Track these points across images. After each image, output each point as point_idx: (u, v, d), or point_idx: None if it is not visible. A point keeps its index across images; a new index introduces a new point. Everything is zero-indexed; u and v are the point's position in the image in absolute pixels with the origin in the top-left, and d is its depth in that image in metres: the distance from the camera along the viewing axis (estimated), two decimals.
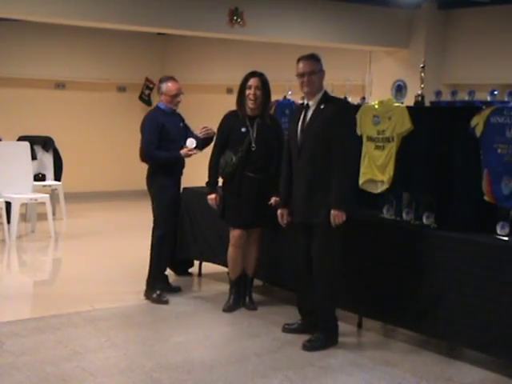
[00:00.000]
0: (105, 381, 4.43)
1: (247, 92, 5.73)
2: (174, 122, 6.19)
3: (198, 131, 6.35)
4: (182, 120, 6.33)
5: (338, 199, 4.91)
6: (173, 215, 6.29)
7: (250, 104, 5.73)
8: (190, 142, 6.07)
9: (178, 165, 6.20)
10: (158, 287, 6.12)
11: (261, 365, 4.72)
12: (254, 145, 5.70)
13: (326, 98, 5.13)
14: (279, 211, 5.34)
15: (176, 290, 6.37)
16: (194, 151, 6.08)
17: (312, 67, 5.10)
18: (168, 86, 6.14)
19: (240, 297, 5.99)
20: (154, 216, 6.22)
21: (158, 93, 6.25)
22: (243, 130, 5.73)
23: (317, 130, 5.01)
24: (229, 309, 5.90)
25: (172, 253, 6.66)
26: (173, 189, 6.21)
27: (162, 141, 6.06)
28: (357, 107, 5.78)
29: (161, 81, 6.23)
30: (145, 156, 6.13)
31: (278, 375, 4.57)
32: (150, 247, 6.22)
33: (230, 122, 5.85)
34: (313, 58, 5.15)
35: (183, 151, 6.06)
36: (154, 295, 6.07)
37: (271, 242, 6.09)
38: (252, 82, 5.72)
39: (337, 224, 4.91)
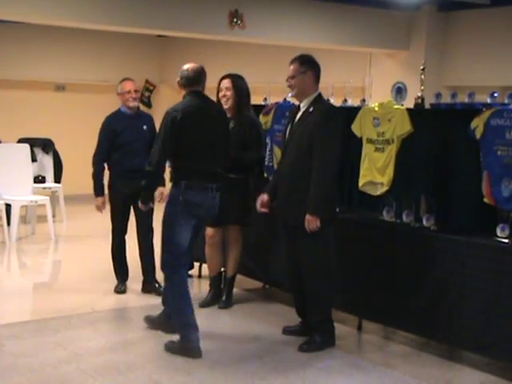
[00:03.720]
0: (105, 383, 4.43)
1: (220, 94, 5.85)
2: (131, 124, 6.14)
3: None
4: (148, 122, 6.27)
5: (312, 204, 4.82)
6: (121, 218, 6.28)
7: (223, 105, 5.81)
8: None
9: (123, 165, 6.13)
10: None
11: (261, 366, 4.72)
12: None
13: (316, 102, 4.99)
14: (260, 196, 5.26)
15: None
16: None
17: (293, 72, 5.01)
18: (122, 85, 6.18)
19: (219, 294, 6.03)
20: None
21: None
22: None
23: (302, 133, 4.96)
24: (204, 304, 5.98)
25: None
26: (122, 190, 6.14)
27: (113, 145, 6.12)
28: (350, 110, 5.79)
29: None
30: (92, 161, 6.21)
31: (278, 377, 4.57)
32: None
33: None
34: (296, 61, 5.00)
35: (98, 202, 6.31)
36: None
37: (270, 242, 6.09)
38: (222, 83, 5.83)
39: (311, 229, 4.82)
